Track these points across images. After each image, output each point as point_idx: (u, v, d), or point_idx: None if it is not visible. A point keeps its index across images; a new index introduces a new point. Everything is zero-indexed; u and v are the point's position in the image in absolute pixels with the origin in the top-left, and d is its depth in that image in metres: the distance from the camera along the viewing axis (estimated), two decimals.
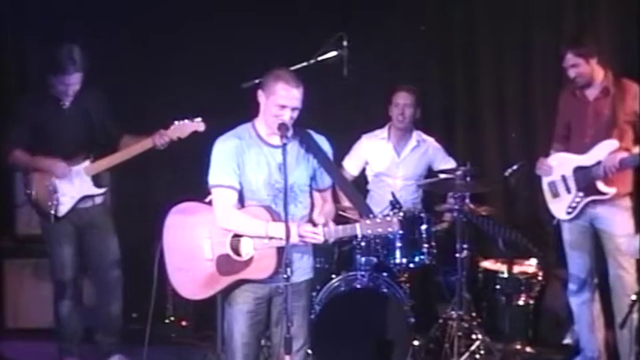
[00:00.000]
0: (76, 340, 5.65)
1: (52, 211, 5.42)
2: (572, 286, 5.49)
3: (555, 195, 5.42)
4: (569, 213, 5.36)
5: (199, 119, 5.26)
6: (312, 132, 4.19)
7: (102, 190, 5.53)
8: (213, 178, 4.09)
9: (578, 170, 5.30)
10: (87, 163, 5.46)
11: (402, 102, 5.94)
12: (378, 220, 3.96)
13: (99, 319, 5.70)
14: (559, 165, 5.40)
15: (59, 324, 5.65)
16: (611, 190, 5.22)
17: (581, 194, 5.30)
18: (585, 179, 5.27)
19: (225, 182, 4.06)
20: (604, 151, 5.20)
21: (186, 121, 5.27)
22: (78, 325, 5.66)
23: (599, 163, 5.20)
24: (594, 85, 5.30)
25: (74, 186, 5.45)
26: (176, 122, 5.28)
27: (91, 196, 5.52)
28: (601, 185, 5.23)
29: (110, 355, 5.66)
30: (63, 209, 5.45)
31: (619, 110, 5.23)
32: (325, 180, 4.21)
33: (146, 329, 5.20)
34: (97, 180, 5.50)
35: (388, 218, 3.96)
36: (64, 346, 5.64)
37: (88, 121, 5.48)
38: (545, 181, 5.48)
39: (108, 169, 5.53)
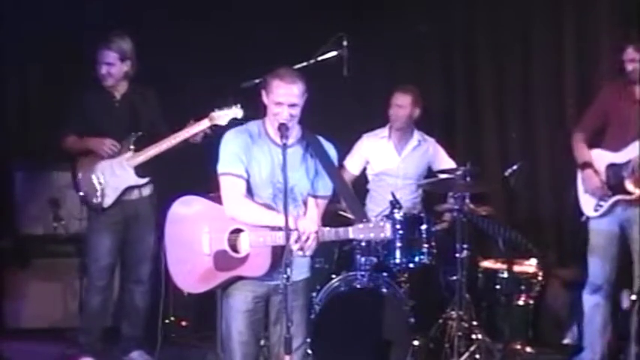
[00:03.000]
0: (98, 335, 5.62)
1: (97, 202, 5.49)
2: (587, 288, 5.45)
3: (587, 190, 5.35)
4: (596, 210, 5.30)
5: (238, 105, 5.26)
6: (321, 138, 4.19)
7: (145, 180, 5.57)
8: (222, 166, 4.08)
9: (610, 167, 5.26)
10: (129, 154, 5.52)
11: (396, 102, 5.94)
12: (371, 225, 3.94)
13: (124, 311, 5.73)
14: (594, 161, 5.33)
15: (85, 317, 5.66)
16: (637, 191, 5.15)
17: (609, 192, 5.25)
18: (615, 176, 5.22)
19: (234, 171, 4.05)
20: (636, 150, 5.14)
21: (225, 109, 5.25)
22: (102, 321, 5.68)
23: (630, 161, 5.17)
24: None
25: (117, 177, 5.51)
26: (216, 110, 5.27)
27: (138, 188, 5.58)
28: (629, 184, 5.17)
29: (130, 351, 5.65)
30: (108, 201, 5.51)
31: None
32: (322, 188, 4.17)
33: (157, 327, 5.25)
34: (139, 170, 5.54)
35: (381, 224, 3.94)
36: (84, 339, 5.59)
37: (135, 117, 5.58)
38: (580, 176, 5.41)
39: (151, 159, 5.53)
